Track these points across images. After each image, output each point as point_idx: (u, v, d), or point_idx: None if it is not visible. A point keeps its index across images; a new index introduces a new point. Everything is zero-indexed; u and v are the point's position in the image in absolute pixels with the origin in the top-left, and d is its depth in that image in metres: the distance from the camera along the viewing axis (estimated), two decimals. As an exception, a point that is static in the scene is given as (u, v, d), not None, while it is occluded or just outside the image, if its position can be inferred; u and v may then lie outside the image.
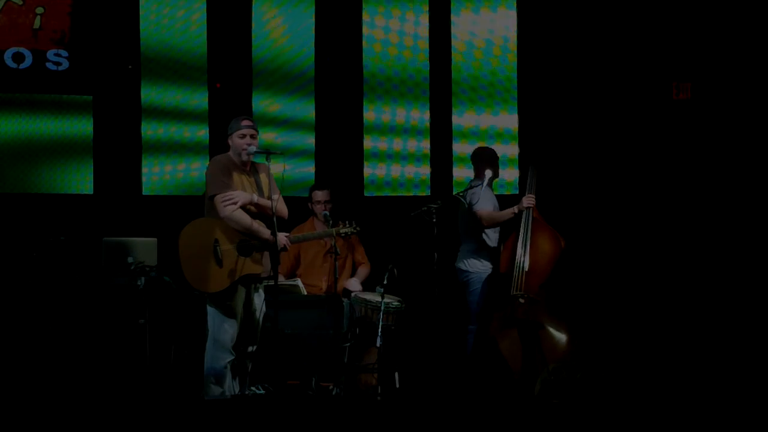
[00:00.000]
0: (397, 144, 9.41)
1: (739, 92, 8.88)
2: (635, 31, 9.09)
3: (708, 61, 8.96)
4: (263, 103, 9.25)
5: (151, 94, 9.08)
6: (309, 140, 9.29)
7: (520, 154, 9.26)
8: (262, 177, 6.89)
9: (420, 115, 9.41)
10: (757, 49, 8.84)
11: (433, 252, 7.49)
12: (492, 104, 9.41)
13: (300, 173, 9.22)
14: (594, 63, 9.15)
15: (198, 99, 9.13)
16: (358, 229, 7.34)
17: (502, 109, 9.42)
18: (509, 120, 9.39)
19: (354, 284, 7.96)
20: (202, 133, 9.12)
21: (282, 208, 6.86)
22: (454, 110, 9.38)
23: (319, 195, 7.98)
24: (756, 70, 8.84)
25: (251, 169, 6.87)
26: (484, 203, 7.80)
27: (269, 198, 6.76)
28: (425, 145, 9.40)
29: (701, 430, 6.36)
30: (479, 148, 8.20)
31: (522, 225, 7.63)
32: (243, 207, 6.73)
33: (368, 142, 9.36)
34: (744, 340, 8.29)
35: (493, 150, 8.14)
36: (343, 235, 7.36)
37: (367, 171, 9.37)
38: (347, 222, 7.35)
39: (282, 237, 6.81)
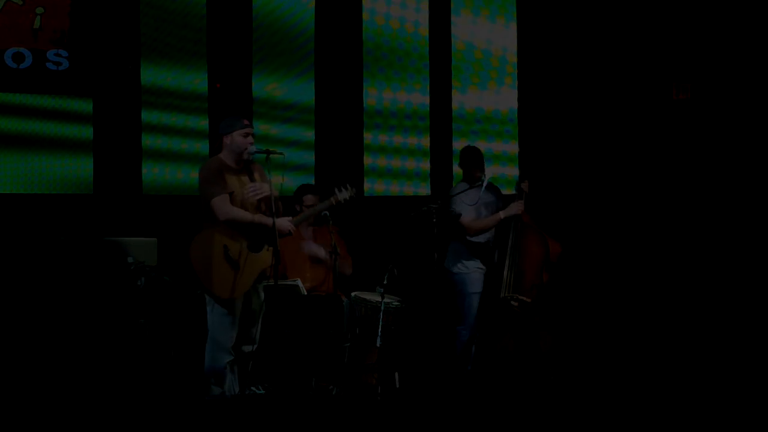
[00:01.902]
0: (397, 162, 9.45)
1: (739, 92, 8.88)
2: (635, 31, 9.09)
3: (708, 61, 8.96)
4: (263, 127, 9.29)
5: (151, 93, 9.08)
6: (309, 157, 9.30)
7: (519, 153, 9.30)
8: (257, 177, 6.87)
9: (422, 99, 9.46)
10: (757, 49, 8.84)
11: (433, 252, 7.49)
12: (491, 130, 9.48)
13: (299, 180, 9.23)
14: (593, 64, 9.15)
15: (198, 98, 9.13)
16: (354, 190, 7.21)
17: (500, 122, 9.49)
18: (509, 116, 9.43)
19: (315, 248, 7.87)
20: (202, 132, 9.12)
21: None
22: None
23: (310, 199, 7.91)
24: (756, 70, 8.85)
25: (244, 169, 6.83)
26: (468, 211, 7.78)
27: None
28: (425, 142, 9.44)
29: (699, 430, 6.37)
30: (466, 149, 8.15)
31: (511, 229, 7.62)
32: (243, 204, 6.72)
33: (368, 159, 9.39)
34: (744, 341, 8.30)
35: (477, 149, 8.09)
36: (343, 202, 7.21)
37: (368, 185, 9.40)
38: (342, 188, 7.19)
39: (285, 222, 6.79)
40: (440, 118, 9.41)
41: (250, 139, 6.80)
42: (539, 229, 7.62)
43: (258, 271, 6.76)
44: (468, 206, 7.83)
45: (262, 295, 6.91)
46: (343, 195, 7.11)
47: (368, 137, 9.37)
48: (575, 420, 6.56)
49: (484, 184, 7.78)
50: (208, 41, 9.12)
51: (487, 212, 7.87)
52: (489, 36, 9.45)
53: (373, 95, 9.38)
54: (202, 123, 9.13)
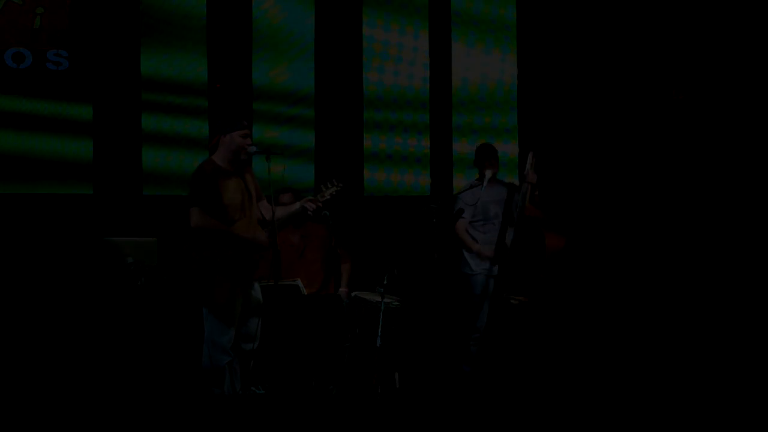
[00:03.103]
0: (397, 162, 9.46)
1: (739, 90, 8.89)
2: (634, 31, 9.10)
3: (708, 60, 8.97)
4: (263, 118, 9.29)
5: (151, 92, 9.08)
6: (308, 162, 9.32)
7: (519, 154, 9.29)
8: (248, 178, 6.86)
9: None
10: (756, 48, 8.85)
11: (433, 252, 7.49)
12: (492, 112, 9.45)
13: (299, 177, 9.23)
14: (594, 62, 9.15)
15: (199, 98, 9.14)
16: (340, 185, 7.18)
17: (501, 112, 9.46)
18: (509, 119, 9.44)
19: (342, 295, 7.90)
20: (202, 131, 9.12)
21: (266, 212, 6.85)
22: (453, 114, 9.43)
23: (287, 198, 7.88)
24: (755, 70, 8.86)
25: (238, 171, 6.81)
26: (467, 211, 7.80)
27: (256, 198, 6.79)
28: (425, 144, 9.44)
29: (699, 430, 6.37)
30: (479, 145, 8.18)
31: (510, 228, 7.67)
32: (243, 209, 6.71)
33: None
34: (743, 340, 8.29)
35: (491, 146, 8.09)
36: (329, 197, 7.12)
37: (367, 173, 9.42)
38: (328, 183, 7.10)
39: (261, 235, 6.76)
40: (440, 120, 9.42)
41: (248, 140, 6.79)
42: (539, 226, 7.60)
43: (254, 271, 6.76)
44: (468, 206, 7.84)
45: (259, 292, 6.89)
46: (330, 191, 7.08)
47: (368, 139, 9.38)
48: (575, 420, 6.57)
49: (485, 183, 7.78)
50: (208, 41, 9.13)
51: (496, 209, 7.87)
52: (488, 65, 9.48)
53: (373, 91, 9.39)
54: (203, 123, 9.13)
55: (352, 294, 7.71)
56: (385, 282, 7.36)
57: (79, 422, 6.51)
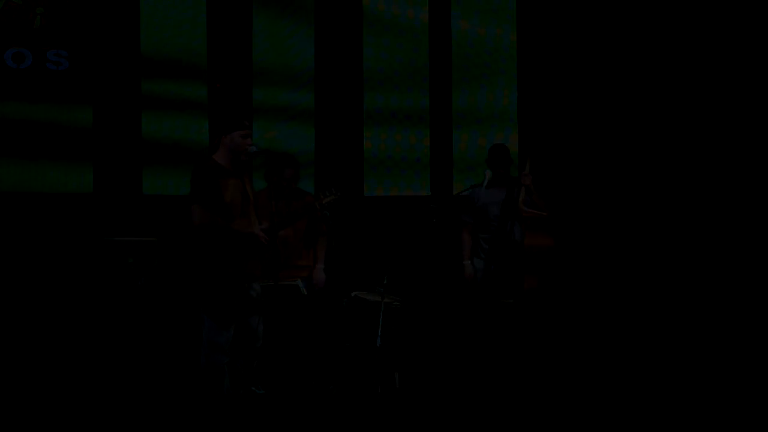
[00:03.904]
0: (397, 162, 9.46)
1: (738, 89, 8.91)
2: (632, 30, 9.12)
3: (706, 59, 8.99)
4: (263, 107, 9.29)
5: (151, 88, 9.09)
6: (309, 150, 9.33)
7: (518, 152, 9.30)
8: (247, 180, 6.85)
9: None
10: (755, 48, 8.86)
11: (433, 252, 7.49)
12: (491, 86, 9.45)
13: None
14: (592, 61, 9.16)
15: (198, 97, 9.14)
16: (339, 194, 7.19)
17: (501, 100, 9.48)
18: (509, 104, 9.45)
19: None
20: (203, 131, 9.13)
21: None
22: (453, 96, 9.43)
23: (290, 173, 7.79)
24: (754, 69, 8.87)
25: (237, 172, 6.80)
26: (467, 214, 7.83)
27: (253, 199, 6.80)
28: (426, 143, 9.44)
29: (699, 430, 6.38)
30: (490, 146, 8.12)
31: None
32: (244, 209, 6.72)
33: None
34: (742, 340, 8.30)
35: (497, 146, 8.05)
36: (327, 205, 7.12)
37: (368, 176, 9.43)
38: (326, 191, 7.11)
39: (260, 232, 6.75)
40: (441, 119, 9.42)
41: (249, 140, 6.79)
42: (526, 227, 7.59)
43: (254, 270, 6.76)
44: (470, 208, 7.82)
45: (258, 291, 6.88)
46: (328, 198, 7.09)
47: (368, 136, 9.38)
48: (575, 419, 6.58)
49: (484, 183, 7.75)
50: (208, 40, 9.13)
51: (495, 211, 7.84)
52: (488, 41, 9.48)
53: (373, 92, 9.41)
54: (203, 122, 9.13)
55: (352, 294, 7.71)
56: (385, 282, 7.36)
57: (79, 422, 6.52)
